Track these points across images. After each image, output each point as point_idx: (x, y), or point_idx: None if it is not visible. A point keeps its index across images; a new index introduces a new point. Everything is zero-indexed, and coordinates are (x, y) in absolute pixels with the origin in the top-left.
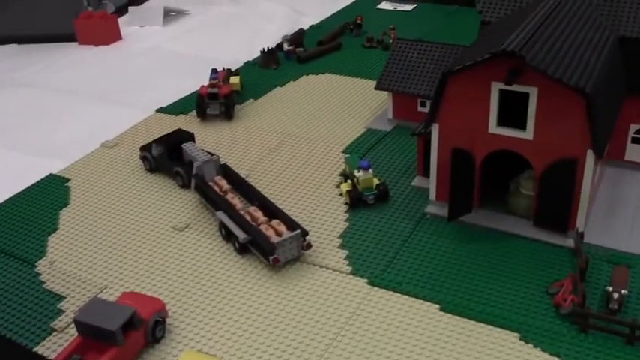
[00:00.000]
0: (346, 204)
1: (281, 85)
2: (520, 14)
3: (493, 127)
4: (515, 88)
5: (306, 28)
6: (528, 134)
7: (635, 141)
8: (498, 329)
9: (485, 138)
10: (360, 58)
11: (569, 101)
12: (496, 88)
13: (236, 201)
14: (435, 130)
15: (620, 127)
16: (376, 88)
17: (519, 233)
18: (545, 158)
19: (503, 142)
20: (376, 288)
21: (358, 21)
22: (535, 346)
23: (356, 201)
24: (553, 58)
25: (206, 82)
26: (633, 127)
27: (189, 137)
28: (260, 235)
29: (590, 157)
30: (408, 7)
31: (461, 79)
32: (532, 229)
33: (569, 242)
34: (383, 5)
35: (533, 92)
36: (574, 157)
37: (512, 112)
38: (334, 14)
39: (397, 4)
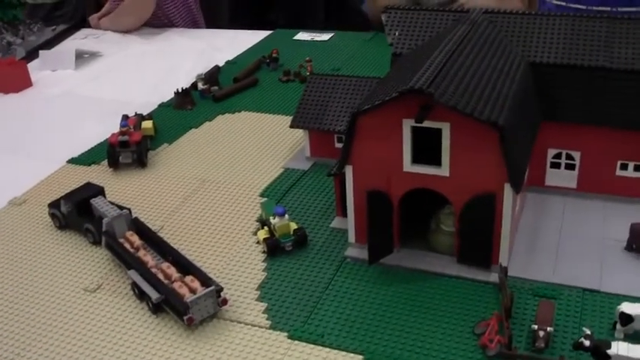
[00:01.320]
0: (264, 252)
1: (196, 127)
2: (430, 45)
3: (408, 165)
4: (427, 124)
5: (221, 64)
6: (444, 170)
7: (554, 165)
8: None
9: (401, 177)
10: (277, 93)
11: (483, 135)
12: (408, 125)
13: (148, 257)
14: (348, 171)
15: (538, 153)
16: (291, 126)
17: (443, 271)
18: (463, 194)
19: (420, 180)
20: (297, 342)
21: (274, 54)
22: None
23: (273, 248)
24: (464, 91)
25: (117, 130)
26: (551, 152)
27: (99, 191)
28: (173, 294)
29: (508, 190)
30: (325, 37)
31: (371, 119)
32: (456, 267)
33: (494, 277)
34: (300, 36)
35: (445, 128)
36: (492, 192)
37: (428, 148)
38: (250, 48)
39: (314, 34)
